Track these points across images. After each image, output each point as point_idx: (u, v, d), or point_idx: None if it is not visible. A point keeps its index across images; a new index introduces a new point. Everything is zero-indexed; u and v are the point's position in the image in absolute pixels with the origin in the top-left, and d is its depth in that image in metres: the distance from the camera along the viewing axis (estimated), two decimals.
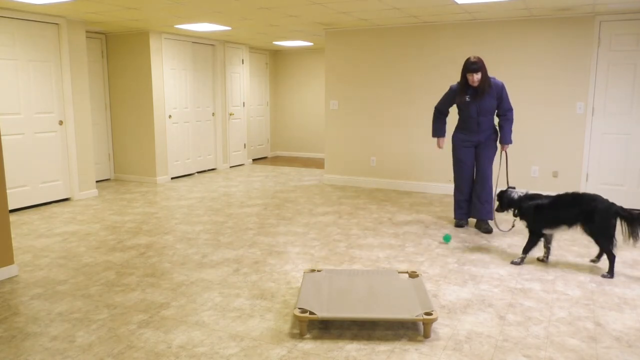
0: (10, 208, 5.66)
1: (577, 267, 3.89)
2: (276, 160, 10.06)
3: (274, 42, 8.84)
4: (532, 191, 4.21)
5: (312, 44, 9.03)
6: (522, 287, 3.49)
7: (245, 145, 9.45)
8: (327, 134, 7.36)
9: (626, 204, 5.79)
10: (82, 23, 6.24)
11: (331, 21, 6.36)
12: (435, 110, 5.00)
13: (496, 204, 4.18)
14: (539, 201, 3.84)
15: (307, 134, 10.48)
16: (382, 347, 2.65)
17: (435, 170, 6.70)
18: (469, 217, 5.03)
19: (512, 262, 3.95)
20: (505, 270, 3.82)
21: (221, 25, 6.64)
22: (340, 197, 6.46)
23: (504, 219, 5.31)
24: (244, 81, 9.29)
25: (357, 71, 7.00)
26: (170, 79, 7.64)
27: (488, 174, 4.85)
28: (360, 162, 7.18)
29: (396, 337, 2.76)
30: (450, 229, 4.94)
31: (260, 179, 7.87)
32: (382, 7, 5.33)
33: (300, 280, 3.59)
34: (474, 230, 4.93)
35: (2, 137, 5.32)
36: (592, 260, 3.99)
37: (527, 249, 3.93)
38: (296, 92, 10.42)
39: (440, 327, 2.88)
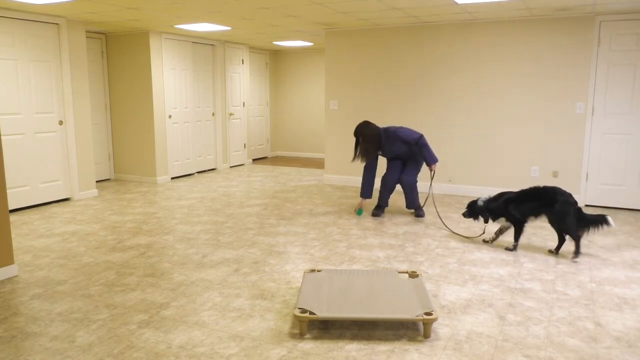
0: (10, 208, 5.66)
1: (576, 267, 3.89)
2: (276, 160, 10.06)
3: (274, 42, 8.84)
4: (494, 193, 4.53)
5: (312, 44, 9.03)
6: (522, 287, 3.49)
7: (245, 145, 9.45)
8: (327, 134, 7.36)
9: (626, 204, 5.79)
10: (82, 23, 6.24)
11: (331, 21, 6.36)
12: (364, 171, 5.51)
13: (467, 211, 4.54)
14: (507, 196, 4.24)
15: (307, 134, 10.48)
16: (382, 347, 2.65)
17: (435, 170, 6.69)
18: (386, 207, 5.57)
19: (507, 249, 4.31)
20: (505, 270, 3.82)
21: (221, 25, 6.64)
22: (340, 197, 6.46)
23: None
24: (244, 81, 9.29)
25: (357, 71, 7.00)
26: (170, 79, 7.64)
27: (413, 180, 5.38)
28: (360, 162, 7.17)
29: (396, 337, 2.76)
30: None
31: (260, 179, 7.87)
32: (382, 7, 5.33)
33: (300, 280, 3.59)
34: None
35: (2, 137, 5.32)
36: (551, 251, 4.24)
37: (517, 237, 4.28)
38: (296, 92, 10.42)
39: (440, 327, 2.88)
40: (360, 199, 5.50)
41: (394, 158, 5.43)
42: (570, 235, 4.06)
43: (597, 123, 5.81)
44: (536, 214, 4.13)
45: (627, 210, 5.77)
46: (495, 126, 6.29)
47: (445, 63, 6.46)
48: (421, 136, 5.18)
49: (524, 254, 4.20)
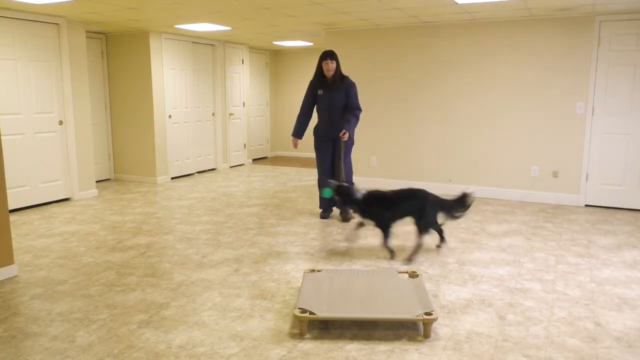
0: (10, 208, 5.66)
1: (576, 267, 3.89)
2: (276, 160, 10.06)
3: (274, 42, 8.84)
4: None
5: (312, 44, 9.03)
6: (522, 287, 3.49)
7: (245, 145, 9.45)
8: None
9: (626, 204, 5.79)
10: (82, 23, 6.24)
11: (331, 21, 6.36)
12: (300, 110, 5.20)
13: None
14: (377, 195, 4.07)
15: (307, 134, 10.45)
16: (382, 347, 2.65)
17: (435, 170, 6.70)
18: (333, 208, 5.39)
19: (406, 260, 4.05)
20: (505, 270, 3.82)
21: (221, 25, 6.64)
22: None
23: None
24: (244, 81, 9.29)
25: (357, 71, 7.00)
26: (170, 79, 7.64)
27: (344, 168, 5.05)
28: (360, 162, 7.18)
29: (396, 337, 2.76)
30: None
31: (260, 179, 7.87)
32: (382, 7, 5.33)
33: (300, 280, 3.59)
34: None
35: (2, 137, 5.32)
36: (438, 246, 4.29)
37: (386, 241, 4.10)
38: (296, 92, 10.42)
39: (440, 327, 2.88)
40: (293, 138, 5.22)
41: (324, 118, 5.06)
42: (436, 230, 4.17)
43: (597, 123, 5.81)
44: (403, 216, 4.05)
45: (627, 210, 5.77)
46: (495, 126, 6.29)
47: (445, 63, 6.46)
48: (361, 110, 5.02)
49: (524, 253, 4.20)
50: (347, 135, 4.80)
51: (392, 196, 4.04)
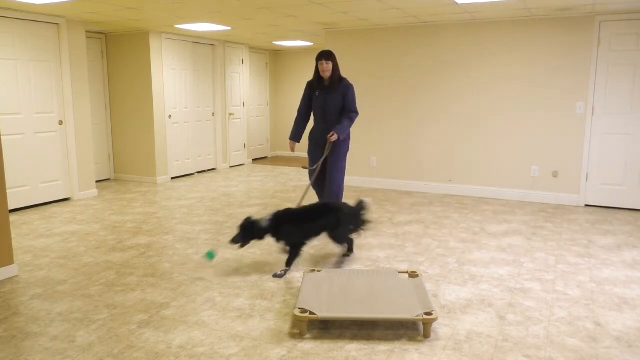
0: (10, 208, 5.66)
1: (576, 267, 3.89)
2: (276, 160, 10.06)
3: (274, 42, 8.84)
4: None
5: (312, 44, 9.03)
6: (522, 287, 3.49)
7: (245, 145, 9.44)
8: None
9: (626, 204, 5.79)
10: (82, 23, 6.24)
11: (331, 21, 6.36)
12: (297, 112, 4.89)
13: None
14: (287, 213, 3.76)
15: (307, 134, 10.46)
16: (382, 347, 2.65)
17: (435, 170, 6.70)
18: None
19: (275, 275, 3.68)
20: (505, 270, 3.82)
21: (221, 25, 6.64)
22: None
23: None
24: (244, 81, 9.29)
25: (357, 71, 7.00)
26: (170, 79, 7.64)
27: (334, 177, 4.66)
28: (360, 162, 7.18)
29: (396, 337, 2.76)
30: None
31: (260, 179, 7.87)
32: (382, 7, 5.33)
33: (300, 280, 3.59)
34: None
35: (2, 137, 5.32)
36: (345, 255, 4.12)
37: (292, 260, 3.77)
38: (296, 92, 10.42)
39: (440, 327, 2.88)
40: (290, 141, 4.84)
41: (318, 120, 4.76)
42: (346, 242, 4.00)
43: (597, 123, 5.81)
44: (320, 233, 3.80)
45: (627, 210, 5.77)
46: (495, 126, 6.29)
47: (445, 63, 6.46)
48: (358, 113, 4.72)
49: (524, 253, 4.20)
50: (335, 137, 4.47)
51: (304, 213, 3.80)
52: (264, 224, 3.66)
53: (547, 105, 6.00)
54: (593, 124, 5.83)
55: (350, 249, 4.14)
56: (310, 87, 4.78)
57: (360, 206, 3.94)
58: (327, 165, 4.68)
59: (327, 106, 4.68)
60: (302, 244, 3.79)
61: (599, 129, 5.81)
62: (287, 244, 3.77)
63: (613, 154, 5.77)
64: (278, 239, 3.75)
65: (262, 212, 5.64)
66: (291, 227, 3.72)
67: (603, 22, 5.62)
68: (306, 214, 3.82)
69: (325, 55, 4.56)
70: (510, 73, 6.13)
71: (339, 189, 4.68)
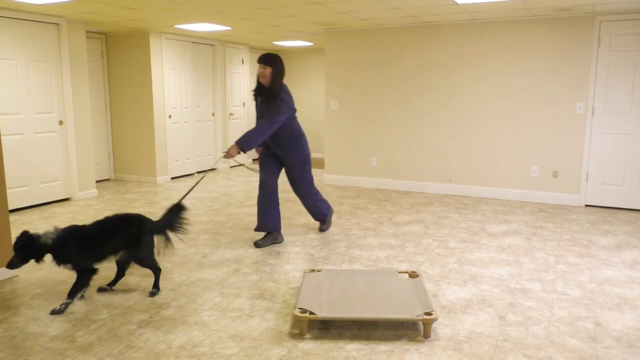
0: (10, 208, 5.66)
1: (576, 267, 3.89)
2: None
3: (274, 42, 8.84)
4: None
5: (312, 44, 9.03)
6: (522, 287, 3.49)
7: None
8: (327, 134, 7.36)
9: (626, 204, 5.79)
10: (82, 23, 6.24)
11: (331, 21, 6.36)
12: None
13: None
14: (77, 232, 3.13)
15: (307, 134, 10.47)
16: (382, 347, 2.65)
17: (435, 170, 6.70)
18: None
19: (53, 311, 3.05)
20: (505, 270, 3.82)
21: (221, 25, 6.64)
22: (340, 197, 6.46)
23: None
24: (244, 81, 9.30)
25: (357, 71, 7.00)
26: (170, 79, 7.64)
27: (304, 187, 4.45)
28: (360, 162, 7.18)
29: (396, 337, 2.76)
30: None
31: None
32: (382, 7, 5.33)
33: (300, 280, 3.59)
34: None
35: (2, 137, 5.32)
36: (103, 288, 3.40)
37: (77, 290, 3.16)
38: (296, 92, 10.42)
39: (440, 327, 2.88)
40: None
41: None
42: (150, 268, 3.35)
43: (597, 123, 5.81)
44: (115, 252, 3.20)
45: (627, 210, 5.77)
46: (495, 126, 6.29)
47: (445, 63, 6.46)
48: (278, 122, 4.11)
49: (524, 253, 4.20)
50: (234, 150, 3.91)
51: (95, 229, 3.14)
52: (47, 240, 3.00)
53: (547, 105, 6.00)
54: (593, 124, 5.83)
55: (155, 284, 3.34)
56: (254, 92, 4.31)
57: (174, 212, 3.37)
58: (293, 181, 4.43)
59: (263, 115, 4.21)
60: (92, 270, 3.17)
61: (599, 129, 5.81)
62: (72, 268, 3.11)
63: (613, 154, 5.77)
64: (59, 262, 3.07)
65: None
66: (76, 248, 3.05)
67: (603, 22, 5.62)
68: (97, 229, 3.14)
69: (264, 59, 4.08)
70: (509, 73, 6.13)
71: (309, 187, 4.46)
